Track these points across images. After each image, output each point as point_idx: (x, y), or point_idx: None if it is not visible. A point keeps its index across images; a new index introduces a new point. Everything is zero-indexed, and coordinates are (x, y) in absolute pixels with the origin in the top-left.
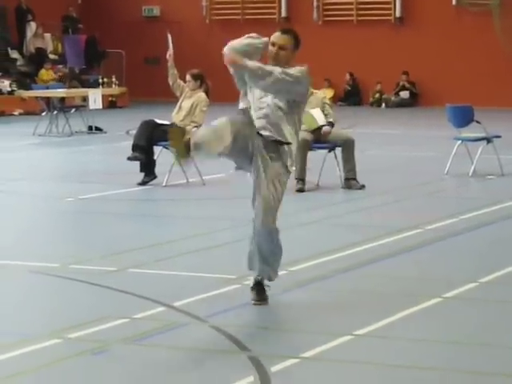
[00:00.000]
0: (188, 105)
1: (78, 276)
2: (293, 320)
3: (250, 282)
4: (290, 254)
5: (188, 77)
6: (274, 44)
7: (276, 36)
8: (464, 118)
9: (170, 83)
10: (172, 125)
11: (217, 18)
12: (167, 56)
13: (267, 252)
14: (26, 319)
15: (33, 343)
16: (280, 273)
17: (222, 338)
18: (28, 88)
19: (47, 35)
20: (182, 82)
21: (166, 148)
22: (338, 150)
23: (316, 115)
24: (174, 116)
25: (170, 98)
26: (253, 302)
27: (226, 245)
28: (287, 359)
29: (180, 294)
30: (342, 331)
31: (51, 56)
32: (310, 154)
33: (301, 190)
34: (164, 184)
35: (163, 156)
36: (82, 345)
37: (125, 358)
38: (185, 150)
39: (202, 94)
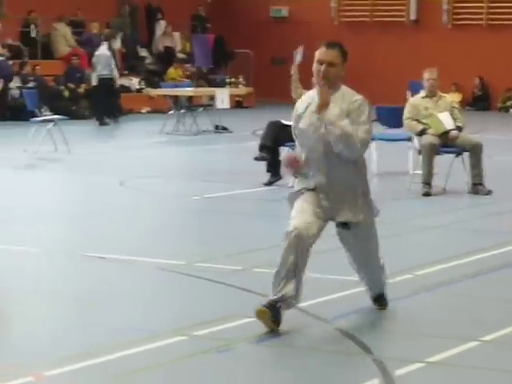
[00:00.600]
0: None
1: (203, 274)
2: (418, 324)
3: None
4: (417, 258)
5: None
6: (321, 62)
7: (322, 52)
8: None
9: (293, 96)
10: None
11: (345, 19)
12: (291, 71)
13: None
14: (154, 315)
15: (159, 339)
16: (406, 277)
17: (347, 340)
18: (156, 86)
19: (176, 34)
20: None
21: (292, 149)
22: (466, 155)
23: (444, 119)
24: None
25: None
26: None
27: None
28: (412, 363)
29: (304, 295)
30: (469, 336)
31: (179, 55)
32: (438, 159)
33: (427, 194)
34: (290, 185)
35: None
36: (206, 343)
37: (248, 358)
38: None
39: None
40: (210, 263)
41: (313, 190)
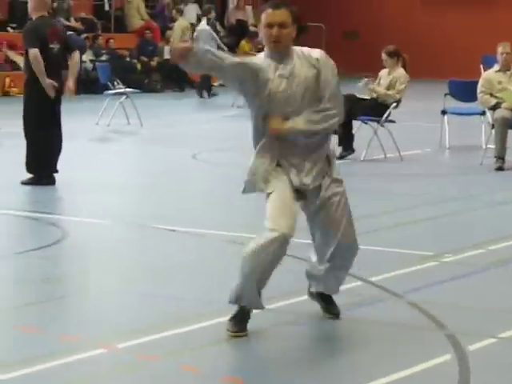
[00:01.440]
0: (387, 81)
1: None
2: (491, 299)
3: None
4: (490, 233)
5: (384, 55)
6: (270, 25)
7: (270, 14)
8: None
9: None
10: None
11: None
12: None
13: None
14: (224, 289)
15: (229, 313)
16: (479, 251)
17: (419, 314)
18: None
19: (248, 7)
20: None
21: (365, 123)
22: None
23: None
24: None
25: (367, 72)
26: None
27: (424, 221)
28: (485, 338)
29: (377, 268)
30: None
31: (252, 28)
32: (511, 133)
33: (500, 169)
34: (362, 159)
35: (362, 130)
36: (278, 316)
37: (323, 331)
38: None
39: (400, 70)
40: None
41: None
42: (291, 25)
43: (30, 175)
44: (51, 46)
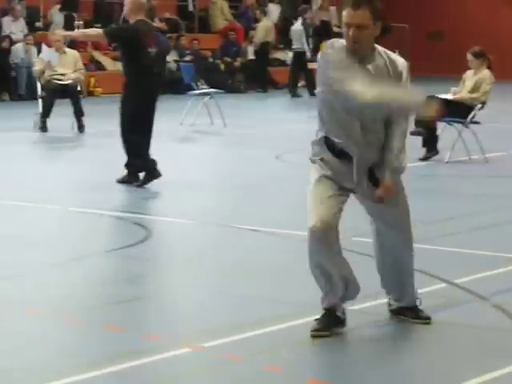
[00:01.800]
0: (472, 82)
1: (357, 248)
2: None
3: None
4: None
5: (469, 56)
6: (348, 25)
7: (349, 14)
8: None
9: None
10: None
11: None
12: None
13: None
14: (305, 289)
15: (310, 314)
16: None
17: (504, 317)
18: (312, 60)
19: (332, 8)
20: None
21: (450, 124)
22: None
23: None
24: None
25: (451, 73)
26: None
27: (508, 224)
28: None
29: (461, 270)
30: None
31: (335, 29)
32: None
33: None
34: (446, 160)
35: (446, 131)
36: (360, 317)
37: (408, 332)
38: None
39: (486, 71)
40: (366, 238)
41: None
42: (372, 25)
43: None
44: (149, 50)
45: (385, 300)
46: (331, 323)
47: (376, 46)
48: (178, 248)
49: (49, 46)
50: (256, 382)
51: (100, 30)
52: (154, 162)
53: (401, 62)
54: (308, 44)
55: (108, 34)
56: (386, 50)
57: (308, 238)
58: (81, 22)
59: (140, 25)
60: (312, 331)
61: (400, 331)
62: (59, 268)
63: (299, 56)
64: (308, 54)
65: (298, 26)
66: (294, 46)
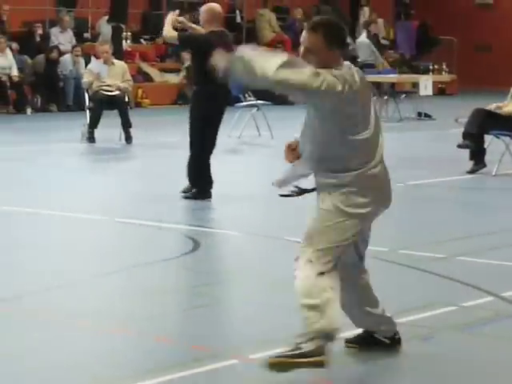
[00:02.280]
0: None
1: (406, 261)
2: None
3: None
4: None
5: None
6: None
7: (303, 35)
8: None
9: None
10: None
11: None
12: None
13: None
14: None
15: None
16: None
17: None
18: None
19: (380, 20)
20: None
21: (497, 137)
22: None
23: None
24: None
25: (499, 86)
26: None
27: None
28: None
29: (507, 284)
30: None
31: (382, 41)
32: None
33: None
34: (494, 173)
35: (494, 145)
36: (409, 330)
37: (453, 346)
38: None
39: None
40: (412, 250)
41: None
42: (326, 50)
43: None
44: None
45: (428, 313)
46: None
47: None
48: (227, 260)
49: (97, 57)
50: None
51: (176, 33)
52: (210, 183)
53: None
54: (377, 55)
55: (181, 39)
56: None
57: None
58: (129, 33)
59: (212, 35)
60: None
61: (448, 343)
62: (109, 278)
63: (367, 67)
64: (378, 65)
65: (363, 38)
66: (359, 59)
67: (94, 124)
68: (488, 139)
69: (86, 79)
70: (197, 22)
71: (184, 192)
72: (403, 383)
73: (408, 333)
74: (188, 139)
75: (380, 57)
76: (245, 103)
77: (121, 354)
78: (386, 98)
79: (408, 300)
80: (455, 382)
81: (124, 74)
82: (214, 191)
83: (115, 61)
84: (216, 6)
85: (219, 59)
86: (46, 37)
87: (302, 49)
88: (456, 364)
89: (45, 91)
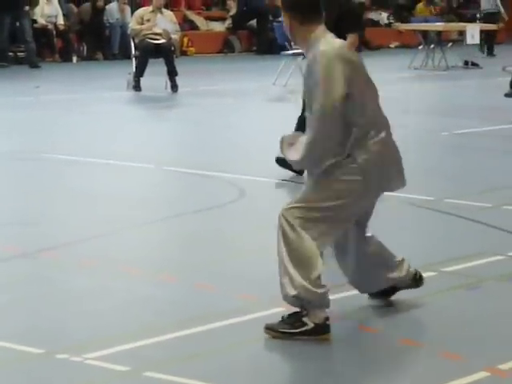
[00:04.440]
0: None
1: (452, 210)
2: None
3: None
4: None
5: None
6: None
7: None
8: None
9: None
10: None
11: None
12: None
13: None
14: (403, 250)
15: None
16: None
17: None
18: (405, 21)
19: None
20: None
21: None
22: None
23: None
24: None
25: None
26: None
27: None
28: None
29: None
30: None
31: None
32: None
33: None
34: None
35: None
36: (455, 279)
37: (498, 295)
38: None
39: None
40: (458, 199)
41: None
42: (297, 27)
43: None
44: None
45: (475, 263)
46: None
47: (319, 35)
48: (270, 208)
49: (145, 5)
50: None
51: None
52: None
53: (318, 55)
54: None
55: None
56: (330, 40)
57: None
58: None
59: None
60: None
61: (494, 293)
62: (153, 226)
63: (489, 16)
64: (502, 13)
65: None
66: (483, 8)
67: (140, 72)
68: None
69: (135, 26)
70: None
71: None
72: (448, 333)
73: (454, 282)
74: None
75: (502, 7)
76: (290, 52)
77: (164, 302)
78: (432, 46)
79: (454, 249)
80: (498, 331)
81: (173, 23)
82: (257, 140)
83: (163, 9)
84: None
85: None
86: None
87: None
88: (500, 314)
89: (91, 39)
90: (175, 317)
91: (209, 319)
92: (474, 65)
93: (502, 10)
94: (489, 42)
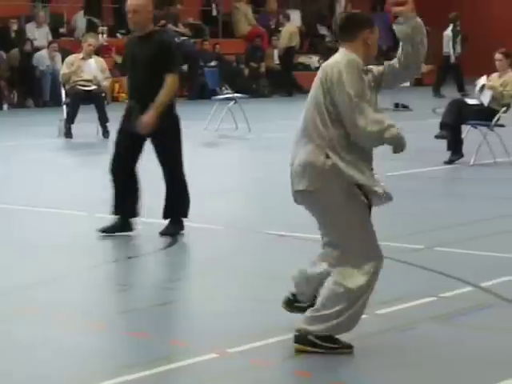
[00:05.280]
0: (497, 84)
1: (385, 252)
2: None
3: None
4: None
5: (498, 56)
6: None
7: None
8: None
9: None
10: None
11: None
12: None
13: None
14: None
15: None
16: None
17: None
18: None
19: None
20: None
21: (474, 127)
22: None
23: None
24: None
25: (474, 75)
26: None
27: None
28: None
29: (487, 274)
30: None
31: None
32: None
33: None
34: (471, 163)
35: (471, 135)
36: (388, 321)
37: (432, 337)
38: None
39: (511, 74)
40: (389, 241)
41: None
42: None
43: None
44: None
45: (407, 305)
46: None
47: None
48: (205, 254)
49: (75, 52)
50: None
51: None
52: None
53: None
54: (454, 49)
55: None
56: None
57: (372, 272)
58: (104, 28)
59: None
60: None
61: (428, 334)
62: (85, 274)
63: (446, 59)
64: (452, 58)
65: (448, 31)
66: (444, 50)
67: (70, 119)
68: (465, 129)
69: (65, 71)
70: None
71: None
72: (382, 375)
73: (387, 324)
74: None
75: (452, 51)
76: (222, 96)
77: (98, 350)
78: None
79: (387, 291)
80: (434, 372)
81: (103, 69)
82: (192, 184)
83: (94, 56)
84: None
85: None
86: (21, 32)
87: None
88: (434, 355)
89: (21, 87)
90: (110, 364)
91: (143, 366)
92: (405, 107)
93: (453, 55)
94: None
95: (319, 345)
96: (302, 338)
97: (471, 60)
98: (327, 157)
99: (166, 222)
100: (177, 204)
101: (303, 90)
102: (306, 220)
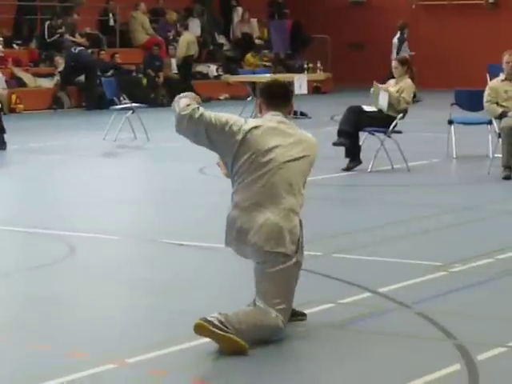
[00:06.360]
0: (394, 91)
1: None
2: (500, 308)
3: None
4: (498, 242)
5: (395, 63)
6: None
7: None
8: None
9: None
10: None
11: (423, 2)
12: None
13: None
14: (237, 301)
15: None
16: (487, 261)
17: (428, 324)
18: (234, 73)
19: (253, 20)
20: None
21: (372, 134)
22: None
23: None
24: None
25: (372, 84)
26: None
27: (431, 231)
28: (494, 348)
29: (385, 280)
30: None
31: (257, 41)
32: None
33: (507, 178)
34: (369, 170)
35: (368, 142)
36: (287, 328)
37: (330, 344)
38: None
39: (408, 80)
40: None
41: None
42: None
43: None
44: None
45: (306, 311)
46: None
47: None
48: (101, 264)
49: None
50: None
51: None
52: None
53: None
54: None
55: None
56: None
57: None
58: (1, 39)
59: None
60: None
61: (324, 340)
62: None
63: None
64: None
65: (395, 39)
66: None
67: None
68: (363, 136)
69: None
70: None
71: None
72: (280, 382)
73: (286, 331)
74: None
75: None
76: (120, 106)
77: None
78: None
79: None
80: (330, 378)
81: None
82: (88, 195)
83: None
84: None
85: None
86: None
87: None
88: (330, 361)
89: None
90: (5, 378)
91: (40, 378)
92: (303, 115)
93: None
94: None
95: (219, 327)
96: (205, 319)
97: (368, 68)
98: None
99: None
100: None
101: (201, 99)
102: (205, 230)
